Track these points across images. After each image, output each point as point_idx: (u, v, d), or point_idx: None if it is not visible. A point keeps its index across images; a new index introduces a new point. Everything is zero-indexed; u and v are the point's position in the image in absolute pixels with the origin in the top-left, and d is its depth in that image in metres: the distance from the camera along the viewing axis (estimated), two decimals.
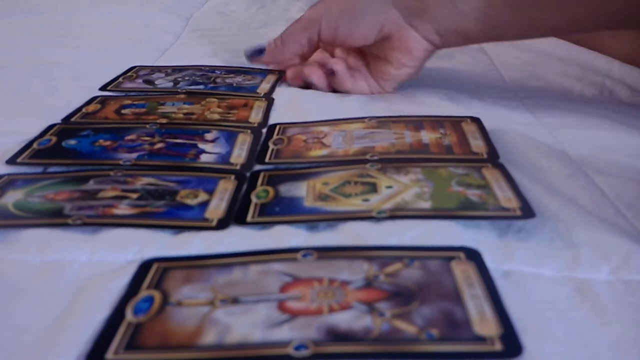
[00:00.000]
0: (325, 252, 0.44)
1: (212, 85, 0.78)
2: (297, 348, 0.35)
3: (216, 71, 0.83)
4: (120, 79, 0.80)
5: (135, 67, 0.84)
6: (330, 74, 0.75)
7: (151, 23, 1.07)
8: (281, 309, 0.38)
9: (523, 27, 0.70)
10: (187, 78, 0.80)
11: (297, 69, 0.78)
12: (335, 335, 0.36)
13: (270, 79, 0.80)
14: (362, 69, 0.76)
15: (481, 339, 0.36)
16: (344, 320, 0.37)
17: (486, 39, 0.77)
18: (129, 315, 0.38)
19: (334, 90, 0.76)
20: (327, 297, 0.39)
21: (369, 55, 0.76)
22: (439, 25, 0.71)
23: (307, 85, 0.78)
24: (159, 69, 0.84)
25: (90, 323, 0.38)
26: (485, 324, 0.37)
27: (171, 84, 0.78)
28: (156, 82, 0.79)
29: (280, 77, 0.80)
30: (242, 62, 0.84)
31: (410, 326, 0.37)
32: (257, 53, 0.82)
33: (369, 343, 0.36)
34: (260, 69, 0.83)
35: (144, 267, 0.43)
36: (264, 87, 0.77)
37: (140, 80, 0.80)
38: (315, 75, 0.76)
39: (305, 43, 0.77)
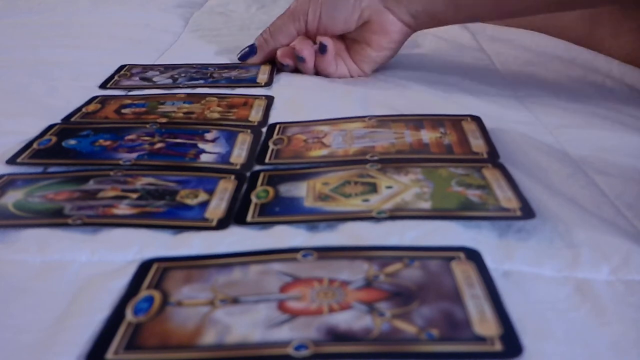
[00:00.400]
0: (325, 252, 0.44)
1: (211, 80, 0.78)
2: (297, 348, 0.35)
3: (209, 68, 0.83)
4: (117, 77, 0.80)
5: (126, 65, 0.84)
6: (320, 50, 0.77)
7: (151, 23, 1.07)
8: (281, 309, 0.38)
9: (490, 8, 0.75)
10: (183, 75, 0.80)
11: (288, 47, 0.80)
12: (335, 335, 0.36)
13: (265, 69, 0.81)
14: (343, 53, 0.80)
15: (481, 339, 0.36)
16: (344, 320, 0.37)
17: (456, 20, 0.83)
18: (129, 315, 0.38)
19: (317, 73, 0.80)
20: (327, 297, 0.39)
21: (349, 40, 0.80)
22: (411, 7, 0.75)
23: (295, 68, 0.80)
24: (151, 67, 0.84)
25: (90, 323, 0.38)
26: (485, 324, 0.37)
27: (170, 80, 0.79)
28: (154, 79, 0.79)
29: (274, 66, 0.82)
30: (236, 60, 0.85)
31: (410, 326, 0.37)
32: (248, 52, 0.84)
33: (369, 343, 0.36)
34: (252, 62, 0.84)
35: (144, 267, 0.43)
36: (262, 77, 0.79)
37: (137, 78, 0.80)
38: (307, 50, 0.78)
39: (294, 34, 0.80)
